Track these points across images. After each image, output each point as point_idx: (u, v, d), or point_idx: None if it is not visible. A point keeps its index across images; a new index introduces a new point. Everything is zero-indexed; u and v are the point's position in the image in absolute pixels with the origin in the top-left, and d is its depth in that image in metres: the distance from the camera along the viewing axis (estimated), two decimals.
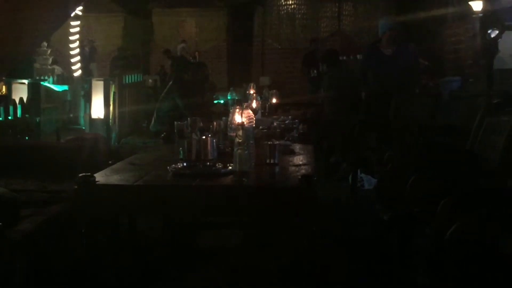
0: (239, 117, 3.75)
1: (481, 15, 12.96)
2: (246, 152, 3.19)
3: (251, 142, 3.45)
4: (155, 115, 8.99)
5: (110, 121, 9.08)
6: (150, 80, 14.13)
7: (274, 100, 7.29)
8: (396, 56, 6.44)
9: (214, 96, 10.94)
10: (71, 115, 9.12)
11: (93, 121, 8.89)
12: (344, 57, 13.48)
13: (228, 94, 7.30)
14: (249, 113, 3.87)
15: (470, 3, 13.14)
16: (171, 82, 9.16)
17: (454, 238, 2.60)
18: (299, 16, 18.73)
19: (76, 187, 3.01)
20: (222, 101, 9.79)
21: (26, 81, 7.28)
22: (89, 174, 3.05)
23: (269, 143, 3.65)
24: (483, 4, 12.98)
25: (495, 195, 3.11)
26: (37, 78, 10.23)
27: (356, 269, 3.78)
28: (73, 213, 3.28)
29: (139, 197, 3.09)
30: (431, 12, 14.93)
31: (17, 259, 3.04)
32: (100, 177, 3.17)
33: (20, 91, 7.04)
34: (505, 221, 2.78)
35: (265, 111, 6.49)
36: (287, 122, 5.37)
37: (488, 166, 3.79)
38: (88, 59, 16.71)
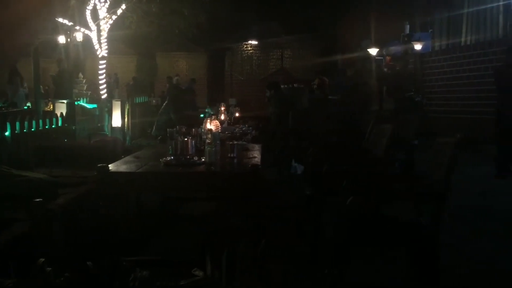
0: (209, 125, 3.72)
1: (378, 57, 13.22)
2: (213, 149, 3.16)
3: (217, 142, 3.42)
4: (155, 124, 8.90)
5: (125, 128, 8.96)
6: (154, 101, 13.89)
7: (237, 114, 7.26)
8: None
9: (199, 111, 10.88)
10: (99, 124, 8.91)
11: (113, 129, 8.75)
12: (285, 86, 13.50)
13: (206, 110, 7.26)
14: (216, 122, 3.84)
15: (368, 50, 13.39)
16: (166, 102, 9.03)
17: (351, 205, 2.62)
18: (255, 58, 18.81)
19: (95, 173, 2.94)
20: (202, 115, 9.72)
21: (65, 101, 7.13)
22: (105, 164, 2.98)
23: (231, 143, 3.63)
24: (377, 52, 13.26)
25: (379, 178, 3.14)
26: (74, 99, 10.01)
27: (287, 225, 3.76)
28: (94, 191, 3.20)
29: (139, 180, 3.04)
30: (345, 55, 15.16)
31: (55, 224, 2.95)
32: (112, 166, 3.10)
33: (61, 108, 6.89)
34: (385, 194, 2.80)
35: (230, 121, 6.45)
36: (244, 129, 5.36)
37: (375, 158, 3.81)
38: (113, 87, 16.40)
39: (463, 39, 11.38)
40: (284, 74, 17.47)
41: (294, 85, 14.94)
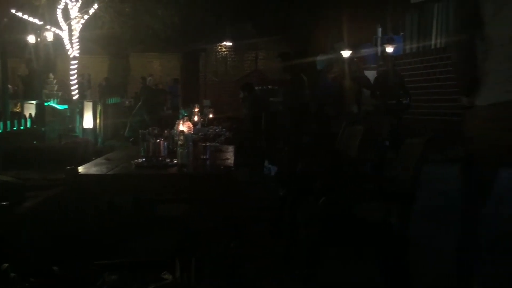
0: (181, 127, 3.69)
1: (355, 59, 13.37)
2: (185, 150, 3.13)
3: (190, 143, 3.39)
4: (128, 125, 8.78)
5: (97, 129, 8.83)
6: (127, 102, 13.72)
7: (210, 115, 7.24)
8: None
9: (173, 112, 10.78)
10: (70, 126, 8.76)
11: (85, 130, 8.62)
12: (260, 87, 13.53)
13: (180, 111, 7.21)
14: (189, 124, 3.82)
15: (341, 52, 13.54)
16: (140, 103, 8.93)
17: (324, 205, 2.63)
18: (230, 59, 18.78)
19: (64, 176, 2.88)
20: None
21: (34, 102, 6.97)
22: (74, 167, 2.92)
23: (203, 144, 3.61)
24: (350, 53, 13.42)
25: (351, 178, 3.17)
26: (45, 99, 9.81)
27: (262, 224, 3.76)
28: (63, 194, 3.13)
29: (110, 183, 2.98)
30: (317, 57, 15.21)
31: (22, 227, 2.88)
32: (82, 169, 3.04)
33: (30, 109, 6.74)
34: (358, 195, 2.83)
35: (204, 122, 6.41)
36: (217, 130, 5.34)
37: (348, 159, 3.84)
38: (85, 87, 16.11)
39: (433, 42, 11.62)
40: (258, 75, 17.49)
41: (269, 86, 15.00)
